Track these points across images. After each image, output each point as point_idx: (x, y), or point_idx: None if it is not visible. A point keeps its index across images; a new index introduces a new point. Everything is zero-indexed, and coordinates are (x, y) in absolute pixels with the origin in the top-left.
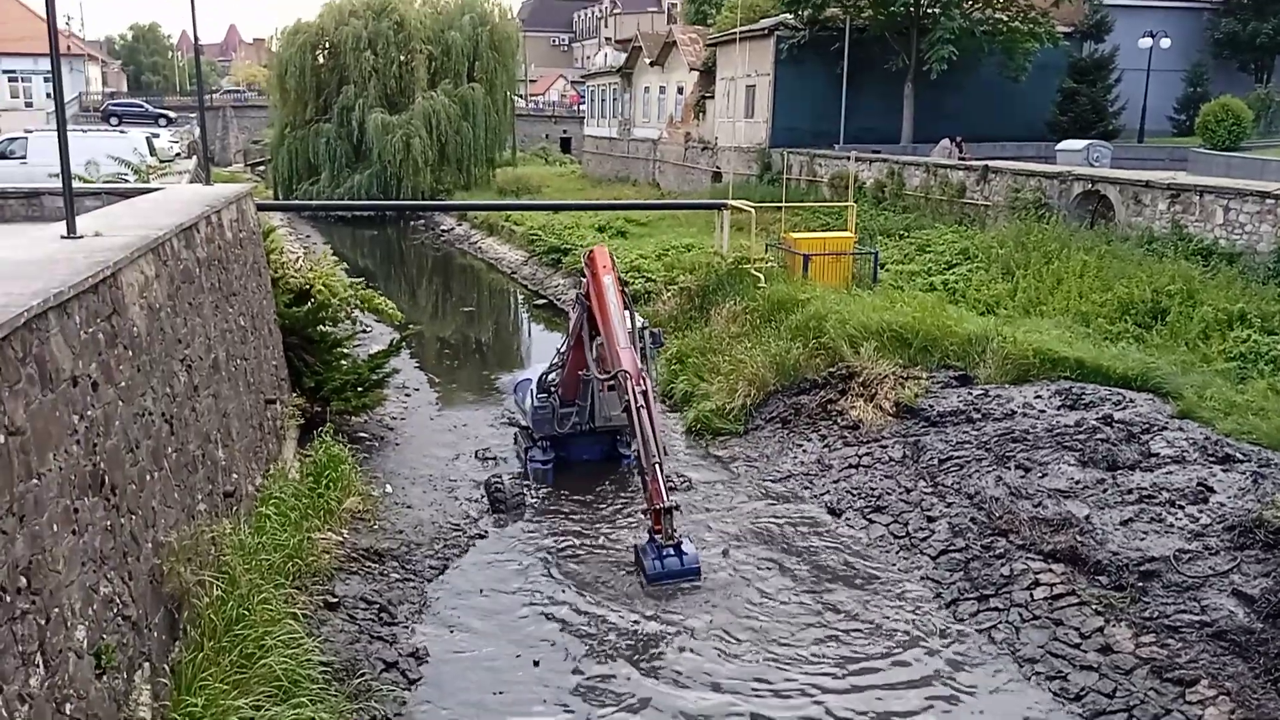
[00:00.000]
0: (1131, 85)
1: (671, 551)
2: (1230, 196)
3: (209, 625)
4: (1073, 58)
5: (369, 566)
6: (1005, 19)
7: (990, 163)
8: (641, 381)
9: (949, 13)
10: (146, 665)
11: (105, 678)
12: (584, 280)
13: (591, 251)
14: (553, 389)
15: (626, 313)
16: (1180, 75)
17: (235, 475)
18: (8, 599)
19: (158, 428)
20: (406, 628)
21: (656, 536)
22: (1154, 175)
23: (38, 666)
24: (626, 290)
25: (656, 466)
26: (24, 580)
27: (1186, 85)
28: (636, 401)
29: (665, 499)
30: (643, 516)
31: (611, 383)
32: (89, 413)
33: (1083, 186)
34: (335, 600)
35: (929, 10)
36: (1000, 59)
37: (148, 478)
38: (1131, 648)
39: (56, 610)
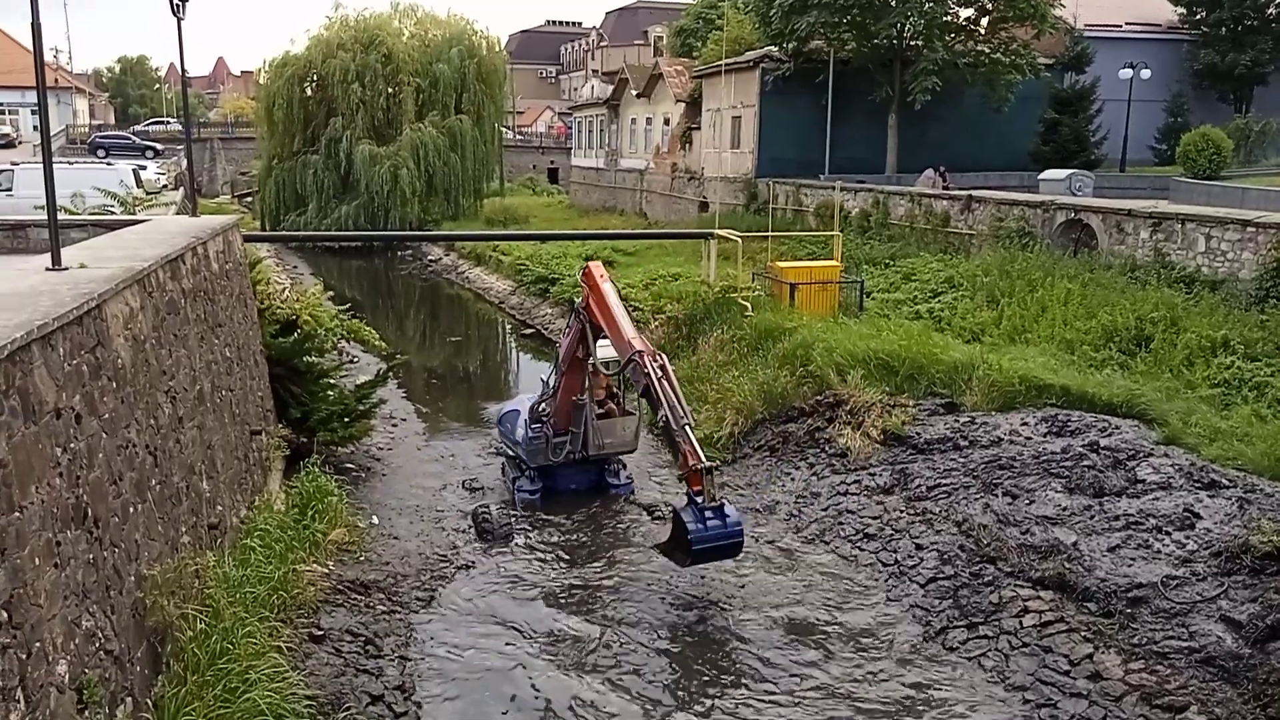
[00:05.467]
0: (1113, 115)
1: (714, 514)
2: (1212, 225)
3: (192, 659)
4: (1054, 89)
5: (355, 599)
6: (987, 51)
7: (974, 192)
8: (657, 356)
9: (931, 45)
10: (129, 700)
11: (87, 713)
12: (580, 297)
13: (587, 265)
14: (545, 418)
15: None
16: (1161, 105)
17: (220, 507)
18: None
19: (141, 459)
20: (393, 660)
21: (697, 498)
22: (1136, 204)
23: (18, 702)
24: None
25: (687, 428)
26: (4, 614)
27: (1167, 115)
28: (657, 374)
29: (702, 458)
30: (676, 482)
31: (629, 367)
32: (72, 445)
33: (1066, 216)
34: (320, 633)
35: (912, 42)
36: (983, 90)
37: (131, 510)
38: (1121, 674)
39: (38, 645)
